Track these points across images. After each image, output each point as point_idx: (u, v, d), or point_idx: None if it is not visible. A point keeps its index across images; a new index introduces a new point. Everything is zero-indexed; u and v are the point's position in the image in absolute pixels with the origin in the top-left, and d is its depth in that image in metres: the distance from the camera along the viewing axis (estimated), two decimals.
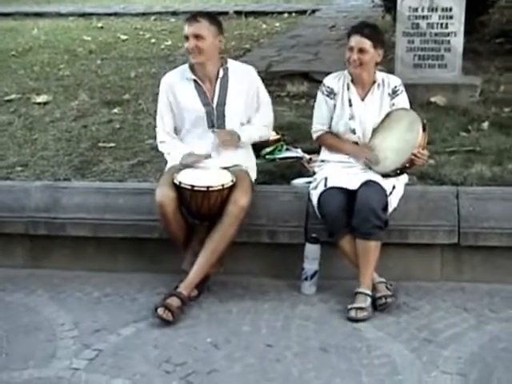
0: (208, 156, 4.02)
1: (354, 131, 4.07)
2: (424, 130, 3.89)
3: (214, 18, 4.11)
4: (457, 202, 4.06)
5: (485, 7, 8.64)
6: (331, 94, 4.11)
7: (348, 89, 4.10)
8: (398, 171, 3.93)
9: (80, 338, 3.61)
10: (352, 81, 4.09)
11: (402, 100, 4.10)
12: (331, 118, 4.14)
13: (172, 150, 4.12)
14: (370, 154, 4.00)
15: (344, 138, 4.10)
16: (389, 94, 4.08)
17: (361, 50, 3.94)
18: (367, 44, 3.95)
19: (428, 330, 3.60)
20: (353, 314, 3.71)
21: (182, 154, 4.02)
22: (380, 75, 4.11)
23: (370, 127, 4.06)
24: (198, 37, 3.95)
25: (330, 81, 4.15)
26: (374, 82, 4.08)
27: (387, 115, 4.05)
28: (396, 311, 3.79)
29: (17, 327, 3.74)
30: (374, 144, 4.03)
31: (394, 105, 4.07)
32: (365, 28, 4.03)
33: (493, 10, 9.19)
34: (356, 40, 3.97)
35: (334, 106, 4.11)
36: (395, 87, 4.09)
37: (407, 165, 3.91)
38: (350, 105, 4.07)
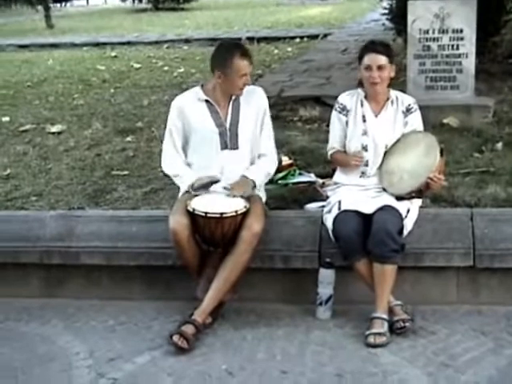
0: (216, 181, 4.02)
1: (365, 148, 4.07)
2: (441, 154, 3.89)
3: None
4: (471, 223, 4.02)
5: (497, 28, 8.64)
6: (344, 110, 4.14)
7: (362, 105, 4.12)
8: (413, 194, 3.92)
9: (95, 367, 3.60)
10: (366, 97, 4.12)
11: (416, 118, 4.11)
12: (345, 136, 4.15)
13: (180, 173, 4.12)
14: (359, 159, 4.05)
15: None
16: (403, 112, 4.09)
17: (380, 68, 3.98)
18: (384, 60, 3.98)
19: (445, 355, 3.55)
20: (371, 339, 3.67)
21: (191, 181, 4.02)
22: (393, 92, 4.14)
23: (382, 144, 4.05)
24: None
25: (343, 98, 4.20)
26: (388, 98, 4.10)
27: (404, 136, 4.05)
28: (412, 335, 3.74)
29: (32, 357, 3.74)
30: (389, 164, 4.02)
31: (407, 123, 4.08)
32: (377, 45, 4.07)
33: (505, 31, 9.17)
34: (373, 58, 3.99)
35: (347, 122, 4.13)
36: (409, 105, 4.10)
37: (422, 188, 3.91)
38: (364, 120, 4.09)
